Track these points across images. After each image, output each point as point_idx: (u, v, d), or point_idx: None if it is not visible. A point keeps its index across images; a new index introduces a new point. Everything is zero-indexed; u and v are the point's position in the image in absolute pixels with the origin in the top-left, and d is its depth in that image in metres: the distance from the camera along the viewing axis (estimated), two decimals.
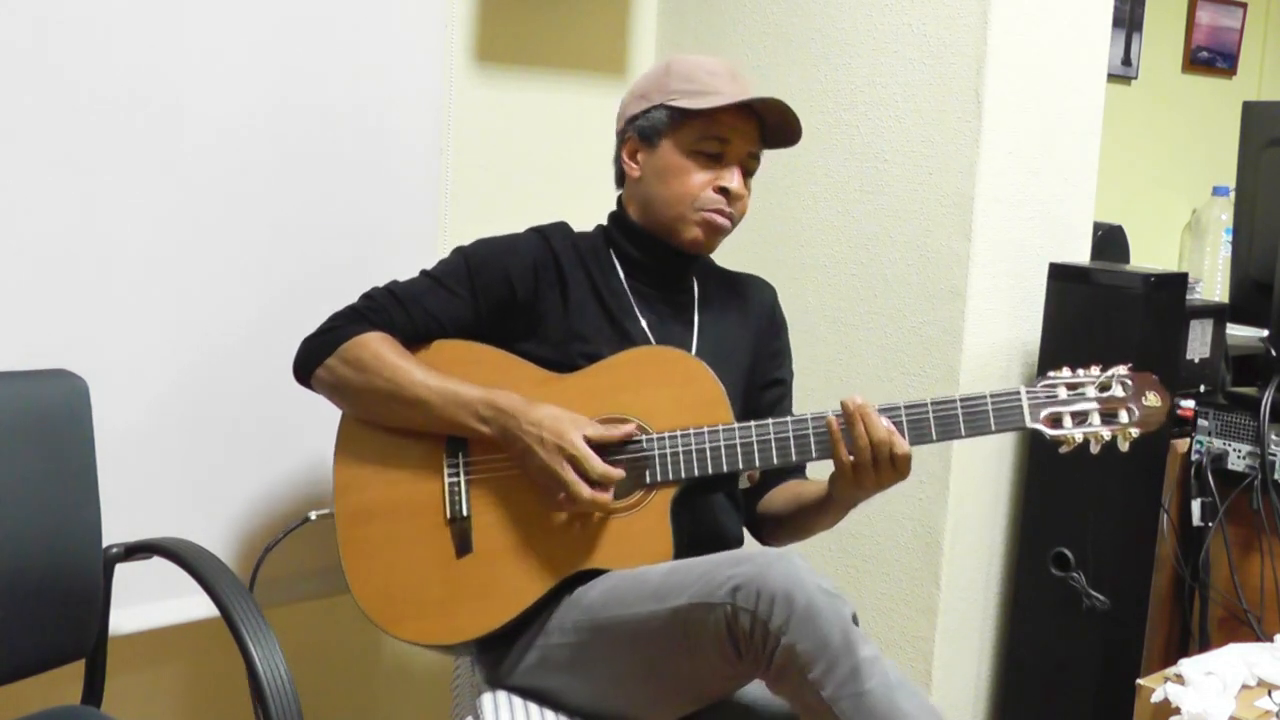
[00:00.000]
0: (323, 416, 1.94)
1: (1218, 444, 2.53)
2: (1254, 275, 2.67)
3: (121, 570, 1.93)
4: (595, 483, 1.75)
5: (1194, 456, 2.54)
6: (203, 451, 2.09)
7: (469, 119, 2.54)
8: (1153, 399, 1.75)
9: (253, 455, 2.14)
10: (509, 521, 1.82)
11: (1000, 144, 2.41)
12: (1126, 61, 4.00)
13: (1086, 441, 1.74)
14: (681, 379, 1.83)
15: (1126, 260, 3.21)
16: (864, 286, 2.55)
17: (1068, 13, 2.50)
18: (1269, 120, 2.68)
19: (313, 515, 2.04)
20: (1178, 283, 2.48)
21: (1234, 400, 2.57)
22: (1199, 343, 2.61)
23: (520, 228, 1.99)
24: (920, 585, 2.47)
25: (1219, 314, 2.67)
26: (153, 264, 2.02)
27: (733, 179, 1.89)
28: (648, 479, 1.79)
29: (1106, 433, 1.74)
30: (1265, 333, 2.60)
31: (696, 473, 1.79)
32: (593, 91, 2.74)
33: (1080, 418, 1.74)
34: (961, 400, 1.74)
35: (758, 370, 2.02)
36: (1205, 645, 2.51)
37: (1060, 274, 2.44)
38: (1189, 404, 2.58)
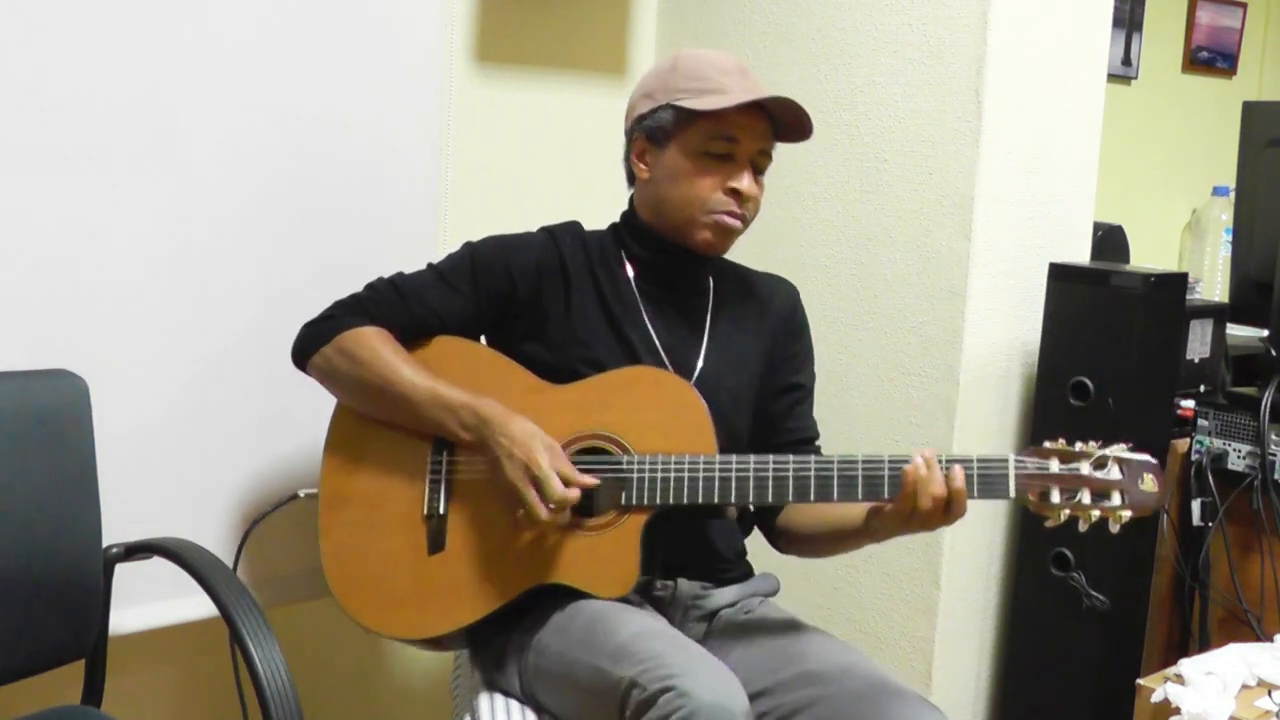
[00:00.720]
0: (325, 418, 1.94)
1: (1218, 444, 2.53)
2: (1254, 275, 2.67)
3: (121, 570, 1.93)
4: (555, 506, 1.73)
5: (1194, 456, 2.54)
6: (203, 452, 2.09)
7: (469, 119, 2.54)
8: (1149, 483, 1.68)
9: (253, 456, 2.14)
10: (483, 525, 1.82)
11: (1000, 144, 2.41)
12: (1126, 61, 4.00)
13: (1074, 518, 1.68)
14: (671, 403, 1.80)
15: (1126, 260, 3.21)
16: (864, 286, 2.55)
17: (1068, 13, 2.50)
18: (1269, 120, 2.68)
19: (301, 493, 2.04)
20: (1178, 283, 2.48)
21: (1234, 400, 2.56)
22: (1199, 343, 2.61)
23: (520, 227, 1.99)
24: (920, 585, 2.47)
25: (1219, 314, 2.67)
26: (153, 264, 2.01)
27: (743, 179, 1.85)
28: (624, 500, 1.77)
29: (1096, 513, 1.67)
30: (1265, 333, 2.60)
31: (672, 500, 1.76)
32: (593, 91, 2.74)
33: (1070, 494, 1.67)
34: (945, 462, 1.69)
35: (773, 376, 1.97)
36: (1205, 645, 2.51)
37: (1060, 274, 2.44)
38: (1189, 404, 2.58)
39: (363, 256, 2.21)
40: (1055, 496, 1.68)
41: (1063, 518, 1.68)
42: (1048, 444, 1.71)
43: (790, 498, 1.75)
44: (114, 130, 1.95)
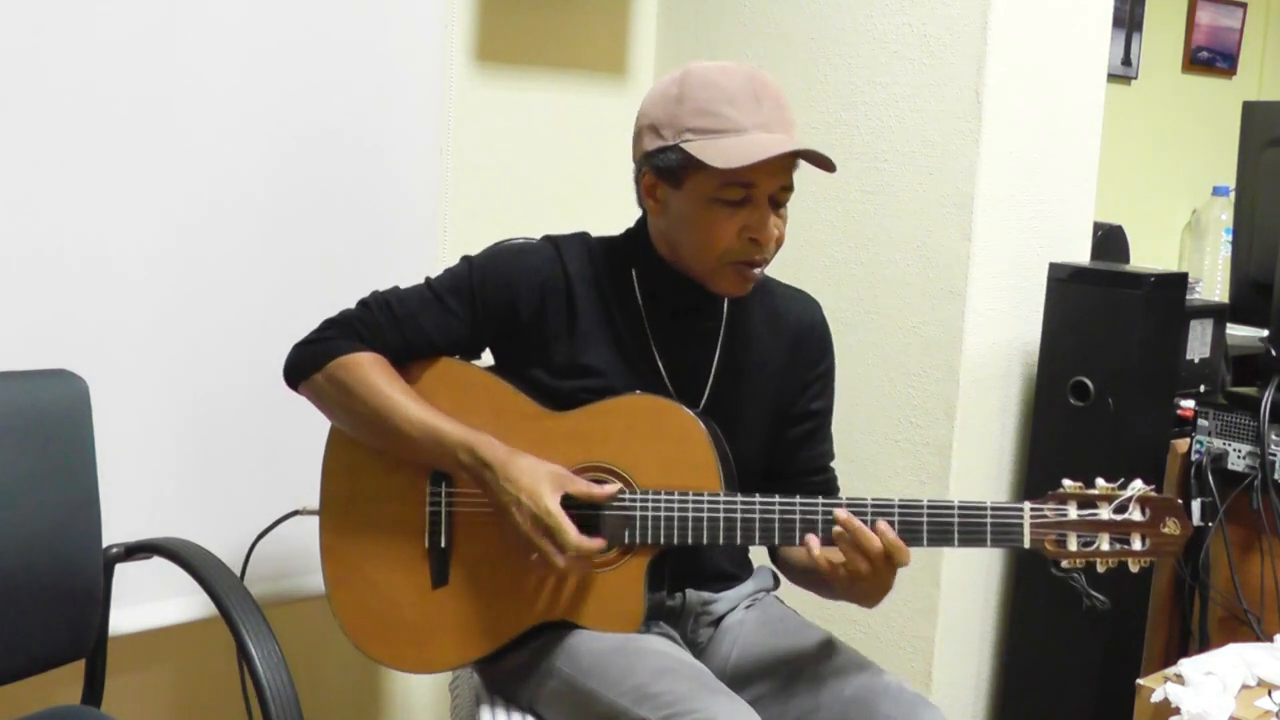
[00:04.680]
0: (325, 420, 1.94)
1: (1218, 444, 2.53)
2: (1254, 275, 2.67)
3: (121, 570, 1.93)
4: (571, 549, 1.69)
5: (1194, 456, 2.54)
6: (203, 451, 2.09)
7: (469, 119, 2.54)
8: (1172, 526, 1.60)
9: (254, 455, 2.15)
10: (486, 559, 1.79)
11: (1000, 144, 2.41)
12: (1126, 61, 4.00)
13: (1091, 564, 1.62)
14: (673, 436, 1.74)
15: (1126, 260, 3.21)
16: (864, 286, 2.55)
17: (1068, 13, 2.50)
18: (1269, 120, 2.68)
19: (301, 509, 2.02)
20: (1178, 283, 2.48)
21: (1234, 400, 2.56)
22: (1199, 343, 2.61)
23: (520, 228, 1.97)
24: (920, 585, 2.47)
25: (1219, 314, 2.67)
26: (153, 264, 2.02)
27: (762, 225, 1.70)
28: (626, 538, 1.73)
29: (1115, 559, 1.61)
30: (1265, 333, 2.60)
31: (676, 541, 1.71)
32: (593, 91, 2.74)
33: (1088, 541, 1.61)
34: (959, 509, 1.64)
35: (788, 402, 1.87)
36: (1205, 645, 2.51)
37: (1060, 274, 2.44)
38: (1189, 404, 2.59)
39: (364, 257, 2.21)
40: (1072, 543, 1.61)
41: (1080, 564, 1.62)
42: (1066, 483, 1.63)
43: (799, 541, 1.69)
44: (114, 130, 1.95)
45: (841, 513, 1.65)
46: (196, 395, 2.08)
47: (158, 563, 1.90)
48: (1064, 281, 2.43)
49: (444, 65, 2.40)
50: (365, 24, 2.21)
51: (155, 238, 2.01)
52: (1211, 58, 4.38)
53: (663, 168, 1.72)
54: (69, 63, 1.90)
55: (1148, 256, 3.66)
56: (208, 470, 2.11)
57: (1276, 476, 2.45)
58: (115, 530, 1.91)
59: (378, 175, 2.25)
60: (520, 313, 1.79)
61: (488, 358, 1.91)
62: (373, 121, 2.23)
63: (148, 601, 2.03)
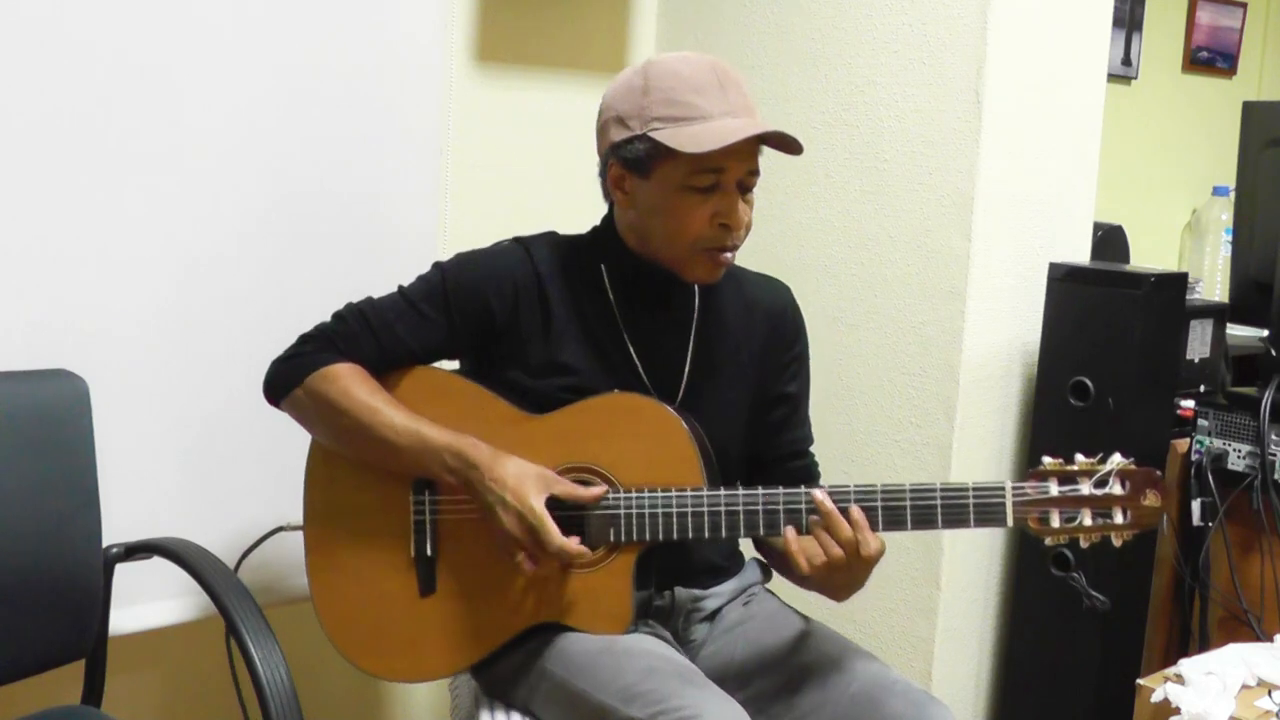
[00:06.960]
0: None
1: (1218, 444, 2.53)
2: (1254, 275, 2.67)
3: (121, 570, 1.93)
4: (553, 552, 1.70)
5: (1194, 456, 2.54)
6: (203, 451, 2.09)
7: (469, 119, 2.54)
8: (1151, 499, 1.62)
9: (254, 455, 2.14)
10: (473, 565, 1.79)
11: (1000, 144, 2.41)
12: (1126, 61, 4.00)
13: (1075, 539, 1.64)
14: (654, 432, 1.74)
15: (1126, 260, 3.21)
16: (864, 286, 2.55)
17: (1068, 13, 2.50)
18: (1269, 120, 2.68)
19: (286, 526, 2.01)
20: (1178, 283, 2.48)
21: (1234, 400, 2.56)
22: (1199, 343, 2.61)
23: (520, 228, 1.96)
24: (920, 586, 2.47)
25: (1219, 314, 2.67)
26: (153, 264, 2.02)
27: (732, 210, 1.72)
28: (612, 537, 1.73)
29: (1098, 534, 1.63)
30: (1265, 333, 2.60)
31: (661, 537, 1.72)
32: (593, 91, 2.72)
33: (1070, 516, 1.63)
34: (941, 491, 1.64)
35: (765, 386, 1.89)
36: (1205, 645, 2.51)
37: (1060, 274, 2.44)
38: (1189, 404, 2.59)
39: (364, 257, 2.21)
40: (1054, 519, 1.63)
41: (1063, 540, 1.65)
42: (1046, 460, 1.65)
43: (781, 533, 1.70)
44: (115, 130, 1.95)
45: (819, 493, 1.66)
46: (197, 395, 2.07)
47: (157, 563, 1.90)
48: (1064, 281, 2.43)
49: (444, 65, 2.40)
50: (365, 24, 2.20)
51: (155, 237, 2.01)
52: (1211, 58, 4.38)
53: (630, 159, 1.73)
54: (70, 63, 1.90)
55: (1148, 256, 3.67)
56: (208, 470, 2.10)
57: (1276, 476, 2.45)
58: (115, 530, 1.91)
59: (378, 175, 2.25)
60: (495, 315, 1.80)
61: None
62: (373, 121, 2.23)
63: (147, 601, 2.03)
